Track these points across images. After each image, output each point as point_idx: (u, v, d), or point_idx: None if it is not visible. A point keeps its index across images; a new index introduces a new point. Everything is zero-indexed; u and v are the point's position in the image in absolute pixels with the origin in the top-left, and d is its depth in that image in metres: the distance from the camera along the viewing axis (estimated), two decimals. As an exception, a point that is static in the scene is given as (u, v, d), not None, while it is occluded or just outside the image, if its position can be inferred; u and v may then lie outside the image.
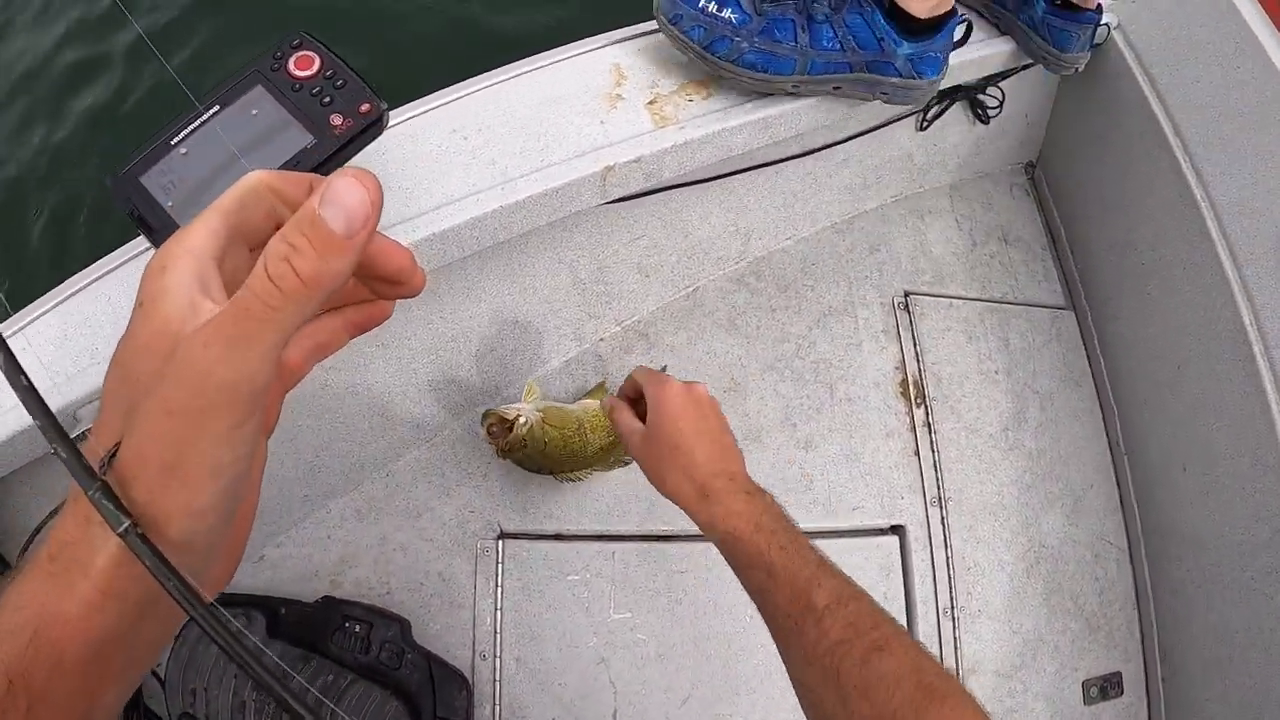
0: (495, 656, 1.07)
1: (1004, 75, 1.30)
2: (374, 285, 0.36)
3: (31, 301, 0.82)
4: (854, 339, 1.28)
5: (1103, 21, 1.18)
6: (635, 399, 0.88)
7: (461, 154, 0.90)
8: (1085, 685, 1.27)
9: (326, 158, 0.74)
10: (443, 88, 0.97)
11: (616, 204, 1.06)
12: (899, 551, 1.21)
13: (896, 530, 1.22)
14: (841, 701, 0.58)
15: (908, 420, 1.26)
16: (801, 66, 0.98)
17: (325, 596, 1.06)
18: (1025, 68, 1.28)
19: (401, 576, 1.08)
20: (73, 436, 0.30)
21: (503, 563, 1.10)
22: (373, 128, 0.77)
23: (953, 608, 1.20)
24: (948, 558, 1.22)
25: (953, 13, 0.97)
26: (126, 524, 0.28)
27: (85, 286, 0.81)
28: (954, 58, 1.11)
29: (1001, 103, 1.36)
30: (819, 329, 1.27)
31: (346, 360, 1.02)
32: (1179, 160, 1.18)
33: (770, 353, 1.24)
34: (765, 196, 1.25)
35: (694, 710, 1.09)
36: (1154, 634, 1.30)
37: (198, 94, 0.76)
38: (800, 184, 1.27)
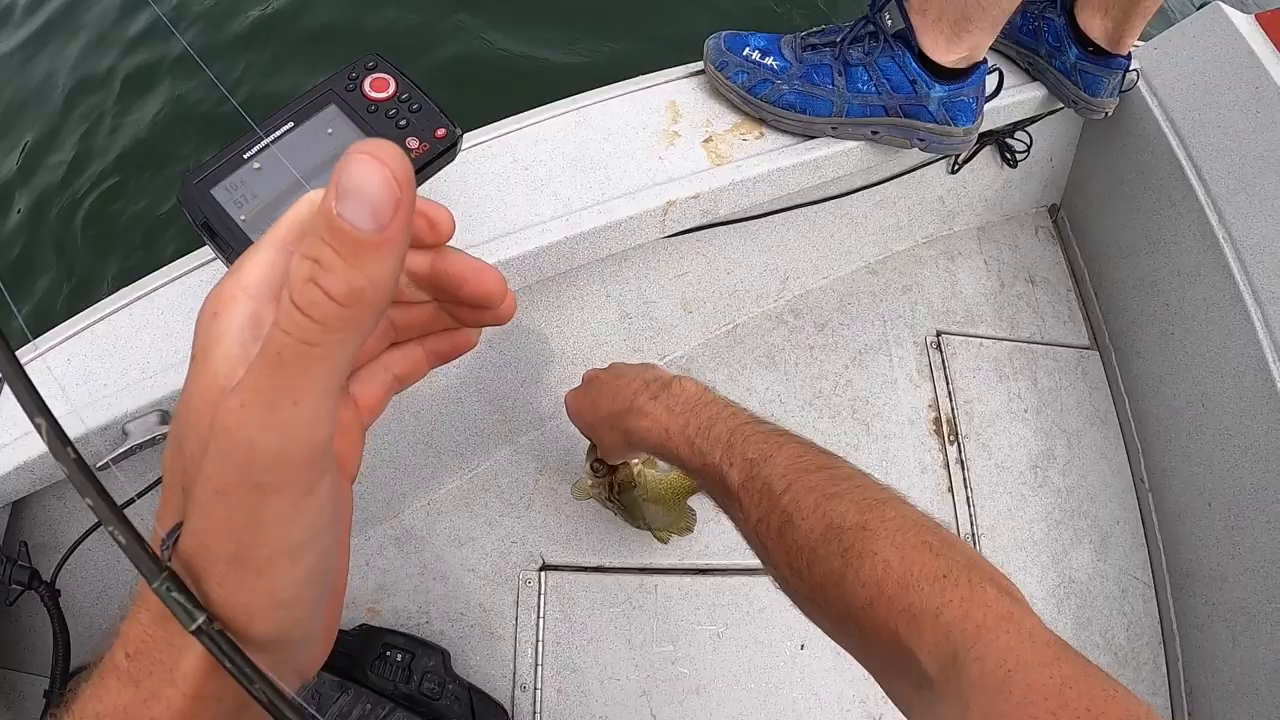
0: (536, 689, 1.06)
1: (1032, 120, 1.34)
2: (458, 312, 0.32)
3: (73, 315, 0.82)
4: (889, 377, 1.29)
5: (1131, 68, 1.22)
6: None
7: (524, 184, 0.92)
8: (1115, 724, 1.27)
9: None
10: (504, 118, 0.99)
11: (664, 240, 1.08)
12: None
13: (932, 567, 1.22)
14: (782, 579, 0.58)
15: (941, 457, 1.27)
16: (839, 108, 1.01)
17: (362, 625, 1.05)
18: (1053, 112, 1.32)
19: (441, 606, 1.08)
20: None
21: (544, 594, 1.09)
22: (448, 152, 0.78)
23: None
24: (982, 594, 1.22)
25: (982, 61, 1.01)
26: (200, 620, 0.24)
27: (134, 300, 0.81)
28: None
29: (1029, 146, 1.39)
30: (855, 367, 1.29)
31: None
32: (1201, 202, 1.21)
33: (808, 390, 1.25)
34: (803, 236, 1.27)
35: (734, 745, 1.09)
36: (1179, 669, 1.31)
37: (257, 116, 0.76)
38: (837, 224, 1.29)
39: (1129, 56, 1.21)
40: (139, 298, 0.82)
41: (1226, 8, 1.24)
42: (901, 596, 0.48)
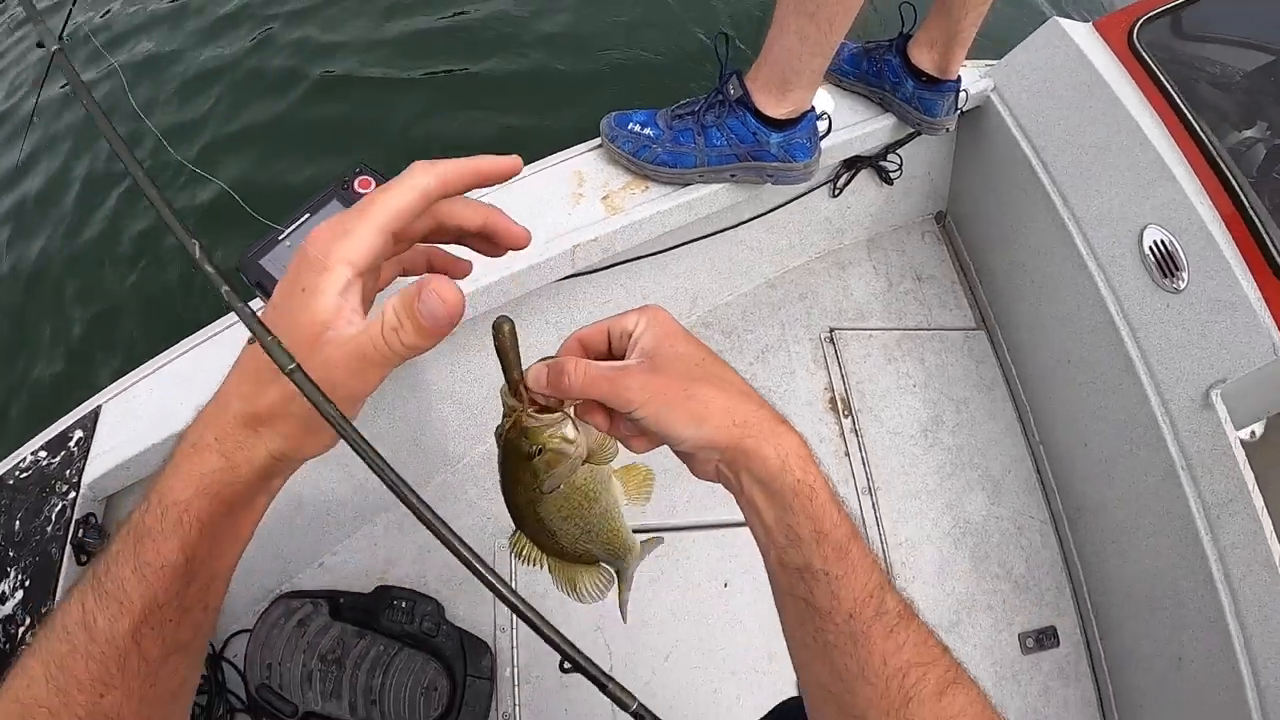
0: (512, 629, 1.36)
1: (896, 144, 1.63)
2: (484, 246, 0.53)
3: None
4: (788, 368, 1.58)
5: (961, 88, 1.46)
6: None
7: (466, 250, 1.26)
8: (1021, 638, 1.50)
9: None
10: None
11: (588, 274, 1.41)
12: (837, 533, 1.48)
13: (833, 515, 1.49)
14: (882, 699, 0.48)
15: (837, 429, 1.55)
16: (701, 160, 1.33)
17: (379, 585, 1.37)
18: (911, 136, 1.62)
19: (436, 571, 1.39)
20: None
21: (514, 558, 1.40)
22: None
23: (888, 574, 1.46)
24: (880, 535, 1.48)
25: (809, 110, 1.31)
26: (294, 365, 0.39)
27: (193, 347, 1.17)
28: (847, 134, 1.45)
29: (900, 165, 1.68)
30: (759, 364, 1.58)
31: (387, 401, 1.36)
32: (1047, 189, 1.48)
33: (719, 381, 1.55)
34: (707, 263, 1.58)
35: (674, 664, 1.36)
36: (1085, 594, 1.53)
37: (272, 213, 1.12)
38: (735, 250, 1.60)
39: (958, 80, 1.46)
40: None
41: (1063, 21, 1.50)
42: None
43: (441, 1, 2.73)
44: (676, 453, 0.54)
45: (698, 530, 1.43)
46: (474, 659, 1.33)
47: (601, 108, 1.43)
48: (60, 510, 1.09)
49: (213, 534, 0.45)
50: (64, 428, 1.12)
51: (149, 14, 2.82)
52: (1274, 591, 1.12)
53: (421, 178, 0.45)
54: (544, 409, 0.53)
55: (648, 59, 2.61)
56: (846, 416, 1.55)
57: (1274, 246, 1.18)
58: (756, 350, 1.60)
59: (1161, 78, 1.37)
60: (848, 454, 1.53)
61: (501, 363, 0.51)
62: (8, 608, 1.03)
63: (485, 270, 1.22)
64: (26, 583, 1.06)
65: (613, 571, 0.65)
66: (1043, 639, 1.51)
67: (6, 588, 1.05)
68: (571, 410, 0.54)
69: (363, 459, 0.38)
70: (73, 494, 1.09)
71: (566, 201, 1.33)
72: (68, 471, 1.10)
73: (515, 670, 1.34)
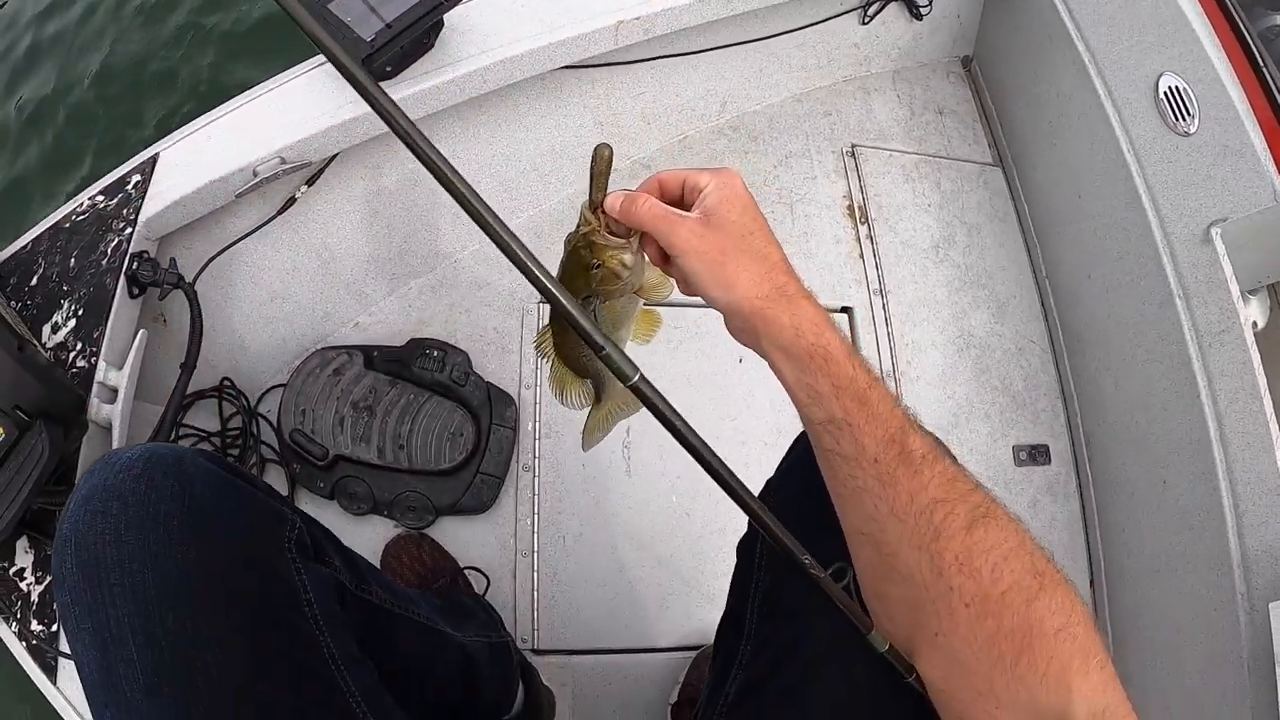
0: (537, 386, 1.43)
1: (928, -23, 1.68)
2: None
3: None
4: (810, 174, 1.64)
5: None
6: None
7: (521, 14, 1.29)
8: (1015, 450, 1.57)
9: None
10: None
11: (627, 65, 1.46)
12: (849, 327, 1.55)
13: (846, 310, 1.56)
14: (935, 569, 0.49)
15: (853, 233, 1.61)
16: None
17: (411, 339, 1.43)
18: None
19: (465, 331, 1.46)
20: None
21: (542, 319, 1.46)
22: None
23: (894, 371, 1.53)
24: (889, 333, 1.55)
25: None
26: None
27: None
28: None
29: (931, 2, 1.73)
30: (782, 167, 1.64)
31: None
32: (1071, 34, 1.53)
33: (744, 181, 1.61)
34: (736, 70, 1.63)
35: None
36: (1078, 418, 1.61)
37: None
38: (764, 61, 1.65)
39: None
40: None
41: None
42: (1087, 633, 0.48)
43: None
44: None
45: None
46: (499, 409, 1.40)
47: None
48: (116, 245, 1.13)
49: None
50: (122, 173, 1.16)
51: None
52: (1258, 420, 1.17)
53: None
54: (614, 234, 0.59)
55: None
56: (863, 224, 1.61)
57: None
58: (780, 155, 1.65)
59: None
60: (861, 256, 1.59)
61: (591, 182, 0.57)
62: (61, 335, 1.08)
63: (527, 35, 1.26)
64: (80, 312, 1.11)
65: (592, 392, 0.73)
66: (1035, 454, 1.59)
67: (59, 317, 1.10)
68: (636, 243, 0.61)
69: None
70: (129, 229, 1.13)
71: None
72: (125, 210, 1.15)
73: (537, 425, 1.42)
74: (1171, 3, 1.35)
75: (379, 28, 1.14)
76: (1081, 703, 0.45)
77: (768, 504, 0.54)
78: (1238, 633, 1.17)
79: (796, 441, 0.80)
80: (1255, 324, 1.48)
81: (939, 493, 0.51)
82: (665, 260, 0.61)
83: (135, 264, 1.17)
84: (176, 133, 1.21)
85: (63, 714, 0.86)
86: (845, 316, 1.55)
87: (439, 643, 0.92)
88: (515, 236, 0.50)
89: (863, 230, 1.61)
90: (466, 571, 1.33)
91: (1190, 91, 1.33)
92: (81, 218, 1.15)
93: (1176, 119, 1.34)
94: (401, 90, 1.22)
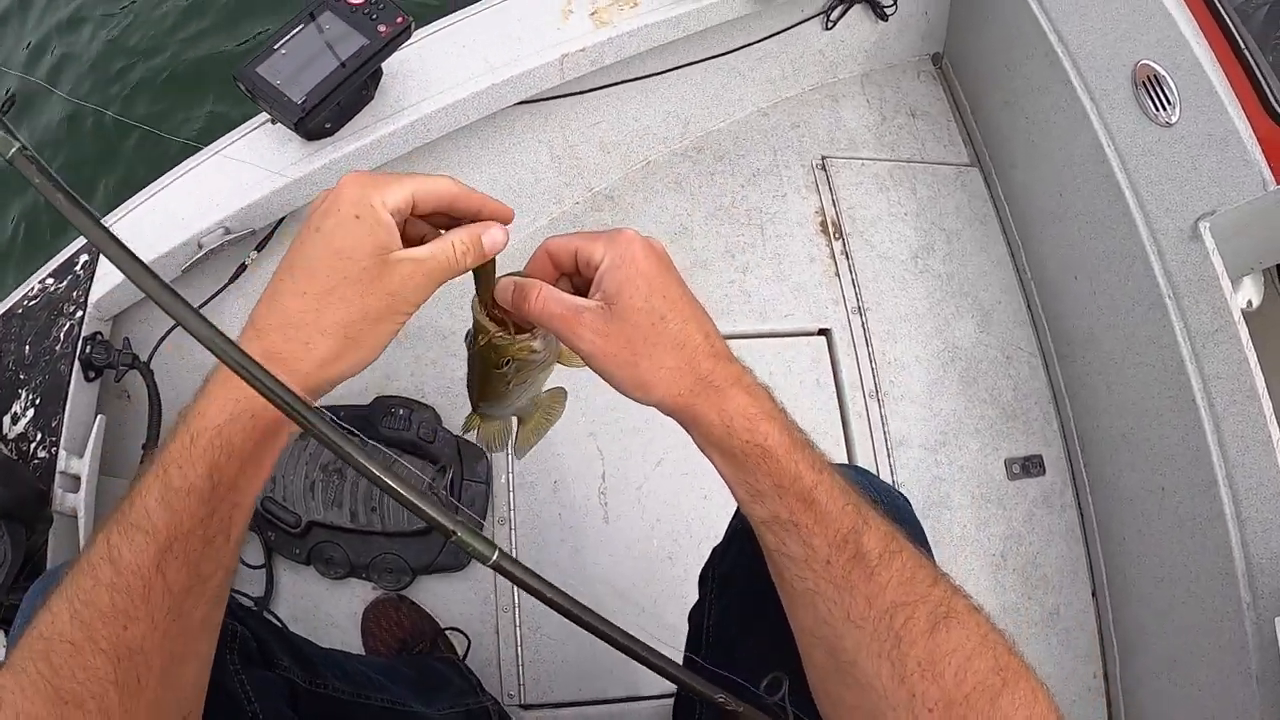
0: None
1: (888, -24, 1.62)
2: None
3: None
4: (779, 192, 1.59)
5: None
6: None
7: (460, 55, 1.26)
8: (1008, 463, 1.53)
9: (376, 51, 1.11)
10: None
11: (579, 95, 1.41)
12: (827, 349, 1.50)
13: (824, 333, 1.51)
14: (897, 676, 0.47)
15: (828, 250, 1.56)
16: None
17: (378, 396, 1.40)
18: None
19: (434, 384, 1.42)
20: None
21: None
22: (405, 33, 1.13)
23: (878, 392, 1.48)
24: (870, 353, 1.50)
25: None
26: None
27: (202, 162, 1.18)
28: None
29: (895, 2, 1.67)
30: (750, 185, 1.59)
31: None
32: (1042, 24, 1.46)
33: (711, 204, 1.56)
34: (696, 89, 1.58)
35: (666, 471, 1.39)
36: (1071, 425, 1.56)
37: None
38: (725, 78, 1.60)
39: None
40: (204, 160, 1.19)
41: None
42: None
43: None
44: None
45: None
46: (470, 464, 1.37)
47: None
48: (68, 330, 1.12)
49: (240, 460, 0.47)
50: (70, 254, 1.14)
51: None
52: (1257, 423, 1.12)
53: (449, 185, 0.52)
54: (514, 322, 0.57)
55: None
56: (837, 239, 1.56)
57: (1267, 83, 1.16)
58: (748, 173, 1.60)
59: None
60: (838, 274, 1.54)
61: (476, 281, 0.56)
62: (20, 426, 1.06)
63: (469, 77, 1.22)
64: (38, 401, 1.09)
65: (514, 421, 0.75)
66: (1029, 466, 1.54)
67: (19, 408, 1.08)
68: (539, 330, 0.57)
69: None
70: (80, 313, 1.12)
71: (556, 18, 1.33)
72: (75, 293, 1.13)
73: (510, 477, 1.38)
74: None
75: (310, 88, 1.10)
76: None
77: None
78: (1245, 644, 1.12)
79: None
80: (1250, 303, 1.43)
81: (898, 595, 0.48)
82: None
83: (89, 347, 1.15)
84: (121, 208, 1.19)
85: None
86: (824, 339, 1.51)
87: None
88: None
89: (837, 246, 1.56)
90: (448, 632, 1.30)
91: (1169, 79, 1.27)
92: (33, 302, 1.13)
93: (1157, 109, 1.29)
94: (344, 147, 1.18)
